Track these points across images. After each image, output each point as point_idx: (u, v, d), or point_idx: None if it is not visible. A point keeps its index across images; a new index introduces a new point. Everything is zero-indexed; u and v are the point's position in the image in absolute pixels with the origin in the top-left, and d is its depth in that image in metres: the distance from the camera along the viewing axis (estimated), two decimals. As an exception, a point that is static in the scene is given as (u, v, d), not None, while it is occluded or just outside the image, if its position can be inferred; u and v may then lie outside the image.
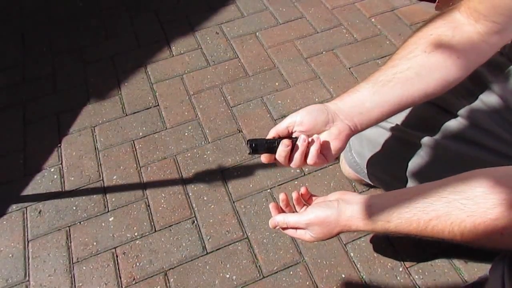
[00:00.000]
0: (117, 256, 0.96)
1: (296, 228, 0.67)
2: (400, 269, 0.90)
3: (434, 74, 0.59)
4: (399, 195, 0.55)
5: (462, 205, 0.46)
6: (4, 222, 1.03)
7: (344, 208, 0.60)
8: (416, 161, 0.78)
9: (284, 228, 0.68)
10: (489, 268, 0.51)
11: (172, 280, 0.92)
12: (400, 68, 0.59)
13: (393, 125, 0.82)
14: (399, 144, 0.80)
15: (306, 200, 0.71)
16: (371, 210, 0.56)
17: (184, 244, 0.97)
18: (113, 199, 1.06)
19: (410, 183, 0.80)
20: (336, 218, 0.60)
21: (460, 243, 0.49)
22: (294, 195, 0.70)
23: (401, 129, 0.80)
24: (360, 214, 0.57)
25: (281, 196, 0.70)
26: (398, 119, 0.82)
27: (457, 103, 0.74)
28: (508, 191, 0.43)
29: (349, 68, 1.32)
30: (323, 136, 0.59)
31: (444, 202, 0.48)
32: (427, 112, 0.78)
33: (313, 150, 0.58)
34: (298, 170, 1.08)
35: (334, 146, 0.59)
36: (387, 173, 0.83)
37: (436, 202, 0.49)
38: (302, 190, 0.71)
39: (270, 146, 0.59)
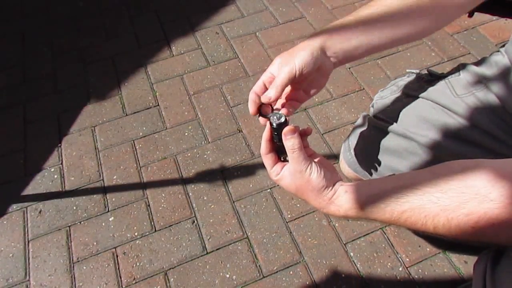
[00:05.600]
0: (117, 256, 0.96)
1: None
2: (400, 269, 0.90)
3: (420, 19, 0.61)
4: (374, 184, 0.54)
5: (436, 199, 0.46)
6: (5, 222, 1.03)
7: (324, 192, 0.55)
8: (414, 161, 0.78)
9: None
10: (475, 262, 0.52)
11: (172, 279, 0.92)
12: (390, 6, 0.60)
13: (392, 124, 0.83)
14: (398, 144, 0.81)
15: (305, 142, 0.61)
16: (346, 197, 0.54)
17: (184, 244, 0.97)
18: (113, 199, 1.06)
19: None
20: (318, 192, 0.55)
21: (426, 233, 0.50)
22: (306, 128, 0.61)
23: (400, 129, 0.80)
24: (335, 199, 0.55)
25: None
26: (397, 117, 0.83)
27: (455, 101, 0.74)
28: (480, 184, 0.43)
29: (349, 68, 1.32)
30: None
31: (418, 195, 0.48)
32: (425, 111, 0.78)
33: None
34: (298, 170, 1.08)
35: (321, 83, 0.61)
36: (386, 172, 0.83)
37: (411, 194, 0.48)
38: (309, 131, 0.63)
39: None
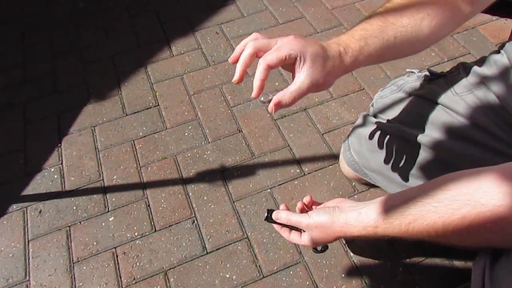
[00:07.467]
0: (117, 256, 0.96)
1: (293, 229, 0.73)
2: (400, 269, 0.90)
3: (426, 41, 0.62)
4: (383, 202, 0.59)
5: (434, 208, 0.50)
6: (5, 222, 1.03)
7: (338, 216, 0.65)
8: (414, 159, 0.78)
9: (282, 225, 0.74)
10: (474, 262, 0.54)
11: (172, 280, 0.92)
12: (405, 30, 0.59)
13: (391, 123, 0.83)
14: (398, 143, 0.81)
15: (309, 208, 0.78)
16: (360, 218, 0.61)
17: (184, 244, 0.97)
18: (113, 199, 1.06)
19: (410, 181, 0.80)
20: (331, 224, 0.65)
21: (436, 243, 0.54)
22: (299, 205, 0.78)
23: (399, 128, 0.80)
24: (352, 221, 0.62)
25: (281, 207, 0.79)
26: (396, 116, 0.83)
27: (455, 100, 0.74)
28: (473, 191, 0.47)
29: (349, 68, 1.32)
30: None
31: (419, 206, 0.52)
32: (425, 110, 0.78)
33: None
34: (298, 170, 1.08)
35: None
36: (386, 171, 0.83)
37: (412, 206, 0.53)
38: (307, 199, 0.78)
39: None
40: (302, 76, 0.53)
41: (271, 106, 0.53)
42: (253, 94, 0.53)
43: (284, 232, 0.76)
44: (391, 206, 0.57)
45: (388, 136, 0.82)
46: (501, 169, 0.47)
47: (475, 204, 0.46)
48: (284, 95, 0.53)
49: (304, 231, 0.72)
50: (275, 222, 0.76)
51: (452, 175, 0.52)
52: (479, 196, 0.46)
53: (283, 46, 0.53)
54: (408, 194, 0.56)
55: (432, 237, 0.53)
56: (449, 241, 0.53)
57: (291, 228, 0.75)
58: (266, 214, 0.76)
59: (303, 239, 0.72)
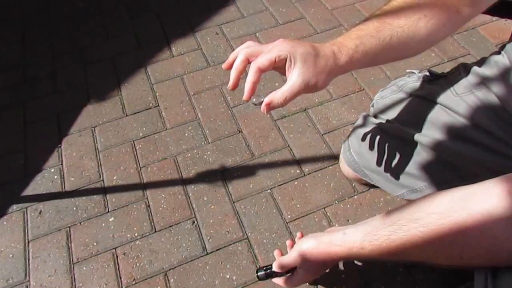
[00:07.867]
0: (117, 257, 0.96)
1: (291, 271, 0.73)
2: (400, 269, 0.90)
3: (423, 43, 0.61)
4: (369, 224, 0.58)
5: (420, 233, 0.49)
6: (5, 223, 1.03)
7: (322, 237, 0.65)
8: (414, 159, 0.78)
9: (279, 274, 0.76)
10: None
11: (172, 280, 0.92)
12: (401, 30, 0.59)
13: (391, 123, 0.83)
14: (398, 143, 0.81)
15: None
16: (345, 237, 0.60)
17: (184, 245, 0.97)
18: (113, 200, 1.06)
19: (409, 181, 0.80)
20: (317, 247, 0.64)
21: (424, 264, 0.55)
22: (288, 242, 0.79)
23: (399, 128, 0.80)
24: (335, 240, 0.61)
25: (275, 253, 0.82)
26: (397, 117, 0.83)
27: (455, 101, 0.74)
28: (456, 214, 0.46)
29: (349, 69, 1.32)
30: None
31: (404, 231, 0.51)
32: (425, 110, 0.78)
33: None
34: (298, 171, 1.08)
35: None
36: (386, 172, 0.83)
37: (398, 231, 0.52)
38: (298, 236, 0.80)
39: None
40: (294, 76, 0.53)
41: (262, 106, 0.54)
42: (244, 97, 0.54)
43: (280, 281, 0.77)
44: (377, 228, 0.55)
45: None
46: (488, 183, 0.45)
47: (460, 227, 0.45)
48: (275, 95, 0.54)
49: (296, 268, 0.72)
50: (270, 277, 0.77)
51: (437, 195, 0.51)
52: (464, 219, 0.45)
53: (272, 49, 0.54)
54: (394, 216, 0.54)
55: (422, 259, 0.52)
56: (441, 265, 0.52)
57: (287, 272, 0.75)
58: (256, 274, 0.80)
59: (299, 275, 0.72)
